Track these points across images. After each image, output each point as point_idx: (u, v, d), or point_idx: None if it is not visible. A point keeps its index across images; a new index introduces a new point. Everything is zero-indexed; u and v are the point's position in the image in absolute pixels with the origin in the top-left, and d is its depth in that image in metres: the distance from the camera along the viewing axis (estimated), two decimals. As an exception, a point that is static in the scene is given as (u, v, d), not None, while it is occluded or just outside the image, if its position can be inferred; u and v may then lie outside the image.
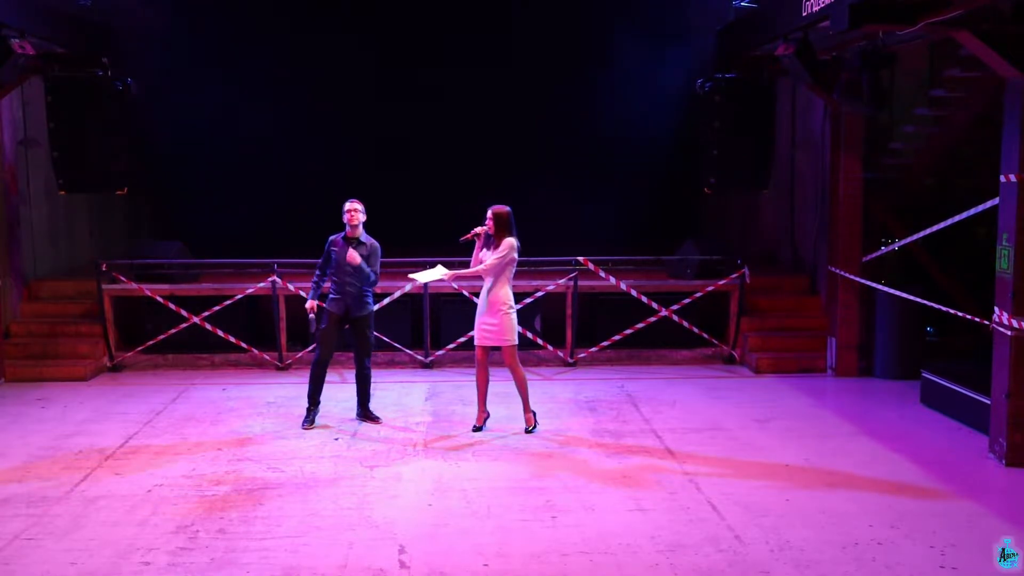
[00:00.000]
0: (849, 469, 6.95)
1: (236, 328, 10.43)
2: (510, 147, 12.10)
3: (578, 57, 11.99)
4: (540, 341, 10.52)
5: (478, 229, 7.70)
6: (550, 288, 10.46)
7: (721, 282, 10.59)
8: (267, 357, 10.43)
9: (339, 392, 9.12)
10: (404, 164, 12.26)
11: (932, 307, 8.97)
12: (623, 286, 10.43)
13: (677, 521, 5.92)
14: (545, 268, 10.60)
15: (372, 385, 8.39)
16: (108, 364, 10.29)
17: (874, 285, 9.67)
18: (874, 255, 9.90)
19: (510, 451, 7.40)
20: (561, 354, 10.59)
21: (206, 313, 10.31)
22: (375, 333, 8.57)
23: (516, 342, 7.71)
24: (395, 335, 10.43)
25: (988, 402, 7.38)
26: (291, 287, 10.23)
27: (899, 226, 9.97)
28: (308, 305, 8.07)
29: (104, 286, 10.29)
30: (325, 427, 8.07)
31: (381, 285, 8.72)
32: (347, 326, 8.09)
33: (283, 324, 10.37)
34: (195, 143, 11.85)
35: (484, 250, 7.71)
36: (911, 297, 9.16)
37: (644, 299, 10.47)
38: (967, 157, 10.05)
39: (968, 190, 8.85)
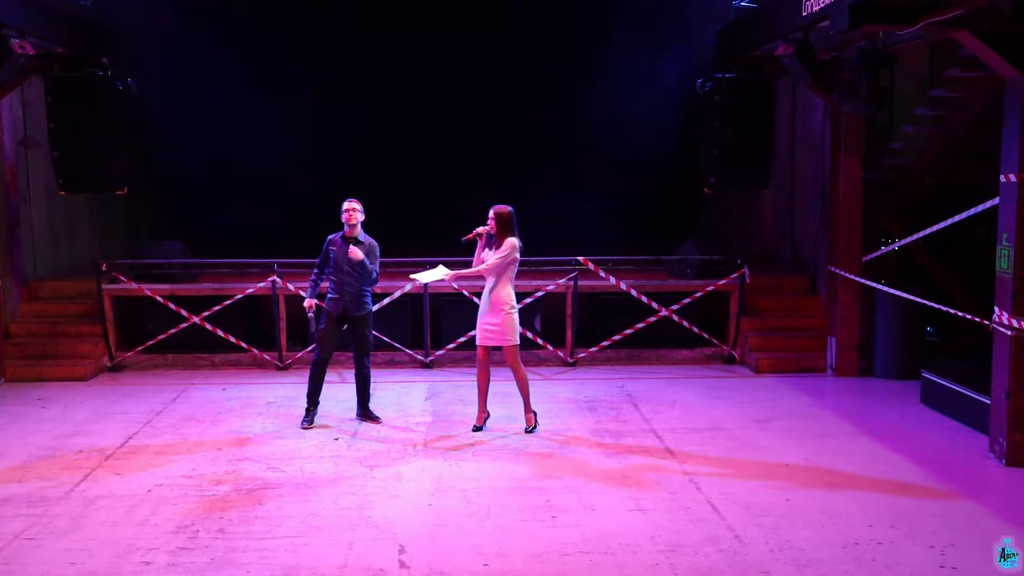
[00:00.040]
0: (849, 469, 6.95)
1: (236, 328, 10.43)
2: (510, 147, 12.10)
3: (578, 57, 11.99)
4: (540, 341, 10.52)
5: (480, 229, 7.69)
6: (550, 288, 10.46)
7: (721, 282, 10.59)
8: (267, 357, 10.43)
9: (339, 392, 9.12)
10: (404, 164, 12.25)
11: (932, 307, 8.97)
12: (623, 286, 10.43)
13: (677, 521, 5.92)
14: (545, 268, 10.60)
15: (372, 385, 8.39)
16: (108, 364, 10.29)
17: (874, 285, 9.67)
18: (874, 255, 9.90)
19: (510, 451, 7.40)
20: (561, 354, 10.59)
21: (206, 313, 10.31)
22: (375, 333, 8.55)
23: (518, 342, 7.71)
24: (395, 335, 10.44)
25: (988, 402, 7.38)
26: (291, 287, 10.23)
27: (899, 226, 9.97)
28: (306, 303, 8.06)
29: (104, 286, 10.29)
30: (325, 427, 8.07)
31: (381, 285, 8.73)
32: (345, 326, 8.09)
33: (283, 324, 10.37)
34: (195, 143, 11.86)
35: (486, 250, 7.70)
36: (911, 297, 9.16)
37: (644, 299, 10.47)
38: (967, 157, 10.05)
39: (968, 190, 8.86)
